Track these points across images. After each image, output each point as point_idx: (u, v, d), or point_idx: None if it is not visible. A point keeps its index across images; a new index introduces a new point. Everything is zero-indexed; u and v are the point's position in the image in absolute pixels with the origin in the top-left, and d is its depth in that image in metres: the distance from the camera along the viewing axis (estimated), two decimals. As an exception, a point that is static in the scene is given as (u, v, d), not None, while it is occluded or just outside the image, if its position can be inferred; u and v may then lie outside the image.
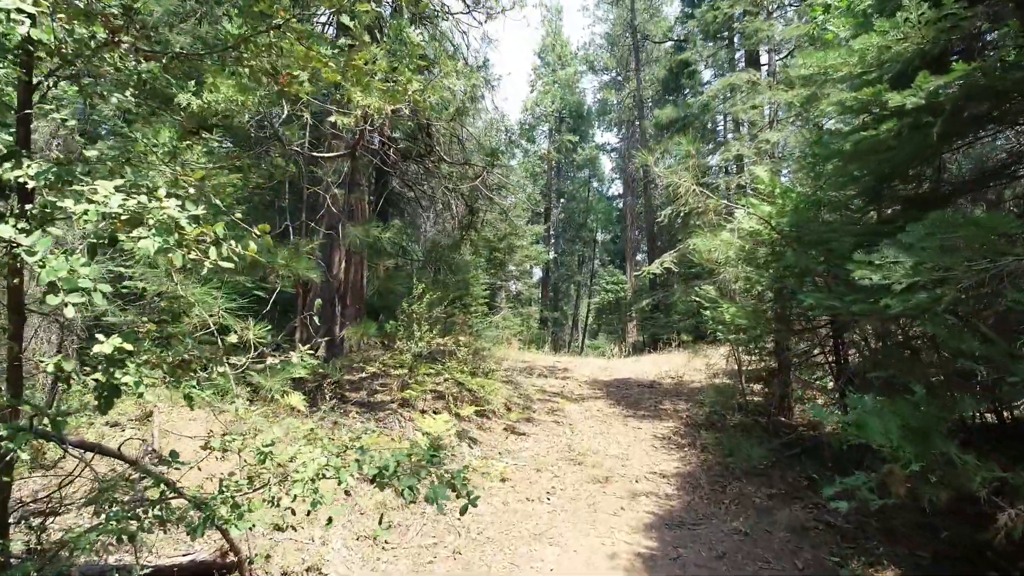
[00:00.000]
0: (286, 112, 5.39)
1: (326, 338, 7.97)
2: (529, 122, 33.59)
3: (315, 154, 5.63)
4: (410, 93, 4.75)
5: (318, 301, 2.83)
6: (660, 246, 23.37)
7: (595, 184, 37.52)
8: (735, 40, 17.99)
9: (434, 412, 6.19)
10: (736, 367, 8.76)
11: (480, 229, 7.62)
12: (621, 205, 34.35)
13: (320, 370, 6.44)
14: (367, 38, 4.82)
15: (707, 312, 6.24)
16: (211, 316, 3.95)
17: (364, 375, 6.93)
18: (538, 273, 33.27)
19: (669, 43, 23.83)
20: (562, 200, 35.18)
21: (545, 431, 6.82)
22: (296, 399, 5.28)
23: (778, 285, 5.52)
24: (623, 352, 17.96)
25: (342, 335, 7.07)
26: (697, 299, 6.52)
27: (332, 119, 4.77)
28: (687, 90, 21.38)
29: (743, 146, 7.46)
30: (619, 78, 30.66)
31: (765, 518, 4.53)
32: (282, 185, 7.95)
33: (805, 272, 5.04)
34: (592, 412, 8.11)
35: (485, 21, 10.91)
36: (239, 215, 2.70)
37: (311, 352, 6.23)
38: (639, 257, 30.64)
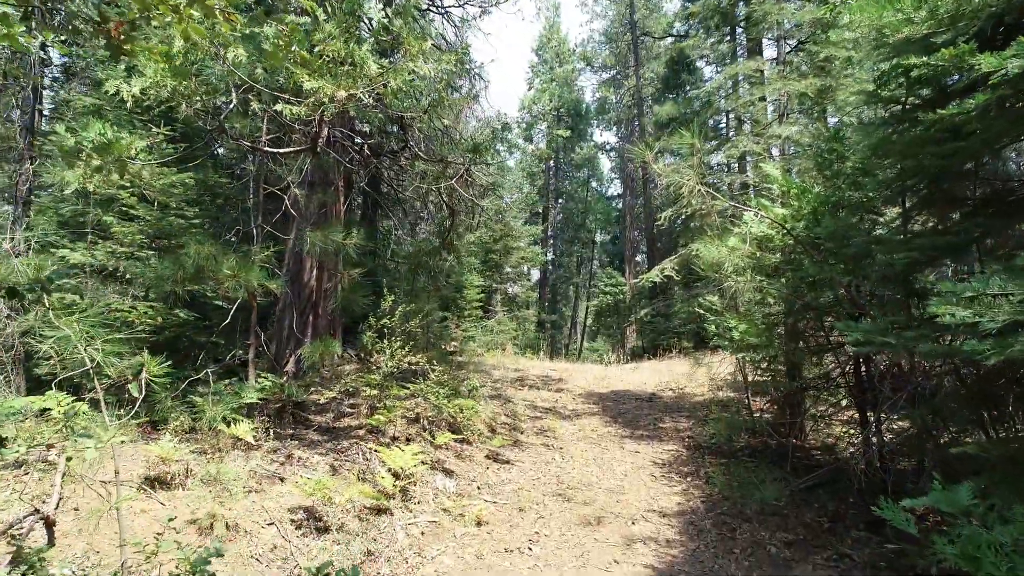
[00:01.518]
0: (234, 101, 4.72)
1: (294, 354, 7.31)
2: (527, 120, 32.96)
3: (268, 149, 4.96)
4: (368, 77, 4.09)
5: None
6: (660, 248, 22.76)
7: (594, 184, 36.89)
8: (737, 31, 17.38)
9: (407, 439, 5.52)
10: (742, 380, 8.09)
11: (463, 233, 6.95)
12: (620, 205, 33.70)
13: (280, 391, 5.78)
14: (322, 14, 4.13)
15: (712, 327, 5.57)
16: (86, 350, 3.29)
17: (334, 395, 6.26)
18: (536, 275, 32.60)
19: (669, 40, 23.17)
20: (560, 200, 34.55)
21: (532, 457, 6.16)
22: (243, 429, 4.61)
23: (792, 297, 4.86)
24: (622, 359, 17.30)
25: (299, 352, 6.39)
26: (701, 311, 5.85)
27: (278, 107, 4.10)
28: (687, 87, 20.76)
29: (750, 142, 6.82)
30: (618, 76, 30.04)
31: (784, 574, 3.86)
32: (246, 186, 7.28)
33: (827, 284, 4.38)
34: (586, 432, 7.44)
35: (479, 16, 10.25)
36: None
37: (273, 370, 5.48)
38: (638, 259, 30.04)
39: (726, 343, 5.88)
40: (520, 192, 29.25)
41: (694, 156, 4.13)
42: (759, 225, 5.15)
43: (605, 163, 37.19)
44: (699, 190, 4.22)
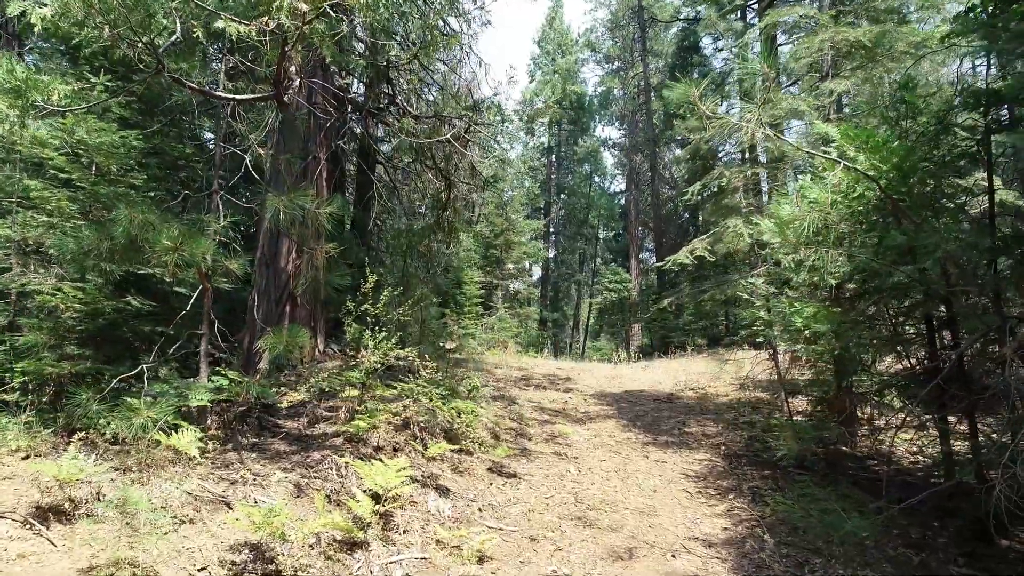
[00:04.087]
0: (178, 30, 3.78)
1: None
2: (528, 113, 32.06)
3: (223, 95, 4.03)
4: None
5: None
6: (667, 242, 21.87)
7: (596, 179, 35.97)
8: (747, 15, 16.60)
9: (394, 448, 4.59)
10: (776, 379, 7.20)
11: (460, 211, 6.02)
12: (624, 201, 32.78)
13: (245, 391, 4.85)
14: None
15: (761, 313, 4.64)
16: None
17: (305, 397, 5.34)
18: (537, 272, 31.68)
19: (676, 27, 22.27)
20: (562, 195, 33.64)
21: (543, 469, 5.23)
22: (187, 439, 3.68)
23: (868, 274, 3.92)
24: (631, 357, 16.36)
25: (257, 346, 5.46)
26: (744, 296, 4.92)
27: (219, 24, 3.17)
28: (696, 73, 19.91)
29: (797, 101, 5.91)
30: (623, 66, 29.08)
31: (883, 633, 2.93)
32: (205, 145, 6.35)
33: (923, 253, 3.43)
34: (602, 438, 6.51)
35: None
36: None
37: (246, 367, 4.48)
38: (643, 256, 29.18)
39: (775, 334, 4.97)
40: (521, 186, 28.36)
41: (766, 84, 3.19)
42: (818, 190, 4.20)
43: (608, 159, 36.24)
44: (764, 134, 3.28)
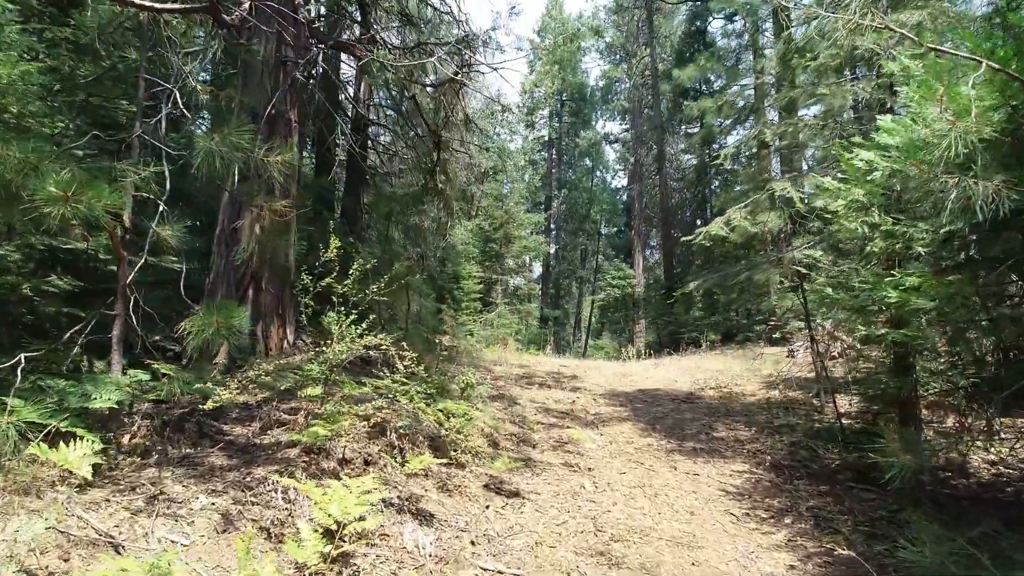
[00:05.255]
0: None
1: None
2: (528, 105, 31.14)
3: (140, 2, 3.08)
4: None
5: None
6: (675, 234, 20.97)
7: (598, 174, 35.05)
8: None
9: (365, 461, 3.64)
10: (818, 374, 6.31)
11: (453, 177, 5.06)
12: (626, 198, 31.86)
13: (180, 390, 3.89)
14: None
15: (830, 290, 3.68)
16: None
17: (269, 395, 4.39)
18: (538, 269, 30.75)
19: (684, 12, 21.35)
20: (564, 190, 32.70)
21: (552, 485, 4.27)
22: (79, 452, 2.73)
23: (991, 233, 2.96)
24: (640, 354, 15.40)
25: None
26: (802, 270, 3.96)
27: None
28: (702, 60, 19.01)
29: (857, 39, 4.95)
30: (626, 55, 28.10)
31: None
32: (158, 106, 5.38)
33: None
34: (619, 445, 5.55)
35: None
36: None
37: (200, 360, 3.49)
38: (646, 252, 28.29)
39: (840, 316, 4.02)
40: (522, 180, 27.42)
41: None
42: (897, 131, 3.23)
43: (610, 154, 35.33)
44: (872, 24, 2.33)
